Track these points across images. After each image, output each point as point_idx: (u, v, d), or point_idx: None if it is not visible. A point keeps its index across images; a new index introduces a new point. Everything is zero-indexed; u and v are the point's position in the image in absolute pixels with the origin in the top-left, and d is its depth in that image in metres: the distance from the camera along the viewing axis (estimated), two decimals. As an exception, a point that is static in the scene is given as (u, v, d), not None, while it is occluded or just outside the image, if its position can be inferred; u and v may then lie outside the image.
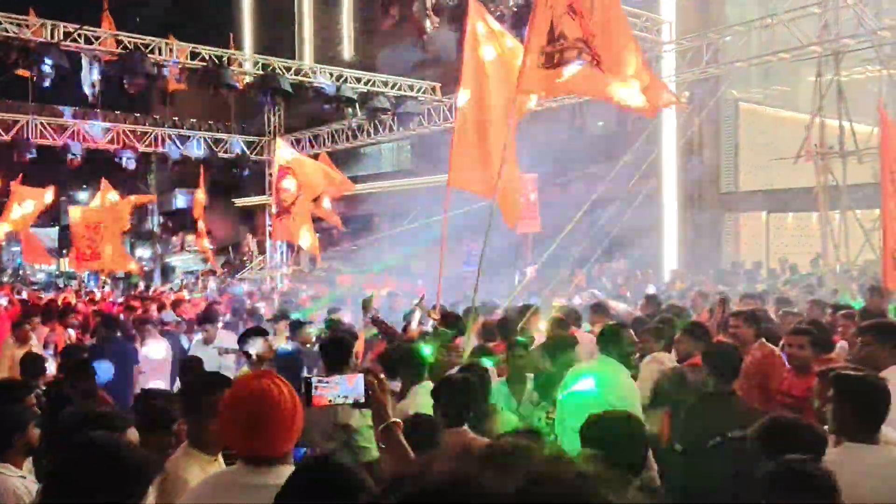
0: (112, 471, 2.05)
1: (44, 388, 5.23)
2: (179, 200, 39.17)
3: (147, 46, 15.66)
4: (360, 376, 2.85)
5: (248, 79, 17.38)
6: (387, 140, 23.90)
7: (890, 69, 13.20)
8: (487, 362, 5.43)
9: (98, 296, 17.20)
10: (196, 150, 21.78)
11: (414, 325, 6.61)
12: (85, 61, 14.66)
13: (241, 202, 30.40)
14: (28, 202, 17.13)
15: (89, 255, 16.11)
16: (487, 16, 7.11)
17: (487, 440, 3.79)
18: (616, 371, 4.86)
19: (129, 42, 15.45)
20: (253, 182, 25.02)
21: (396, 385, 4.98)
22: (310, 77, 18.34)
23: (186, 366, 6.20)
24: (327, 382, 2.74)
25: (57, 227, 39.07)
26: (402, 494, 1.13)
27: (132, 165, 20.28)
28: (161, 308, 12.24)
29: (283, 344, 7.44)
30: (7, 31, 14.01)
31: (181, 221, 38.53)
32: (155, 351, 8.26)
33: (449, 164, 6.55)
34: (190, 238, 37.36)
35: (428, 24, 13.25)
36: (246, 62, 18.18)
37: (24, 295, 16.70)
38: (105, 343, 7.81)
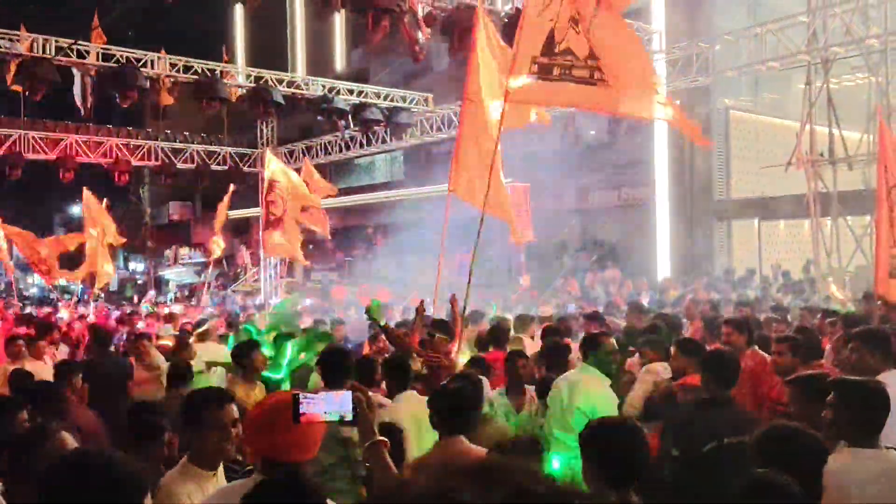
0: (105, 484, 2.04)
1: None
2: (172, 213, 39.14)
3: (139, 60, 15.69)
4: (348, 393, 2.84)
5: (240, 91, 17.41)
6: (380, 151, 23.94)
7: (878, 76, 13.29)
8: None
9: (89, 310, 17.13)
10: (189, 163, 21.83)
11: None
12: (77, 76, 14.66)
13: (234, 214, 30.38)
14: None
15: (45, 269, 16.29)
16: (491, 26, 6.98)
17: (484, 450, 3.79)
18: (590, 380, 4.86)
19: (121, 56, 15.48)
20: (246, 194, 25.00)
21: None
22: (302, 89, 18.38)
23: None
24: (313, 399, 2.74)
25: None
26: None
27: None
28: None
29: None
30: (-1, 46, 14.03)
31: (174, 234, 38.51)
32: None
33: (451, 170, 6.42)
34: (183, 251, 37.32)
35: (420, 35, 13.30)
36: (238, 75, 18.21)
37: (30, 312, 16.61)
38: (98, 358, 7.78)
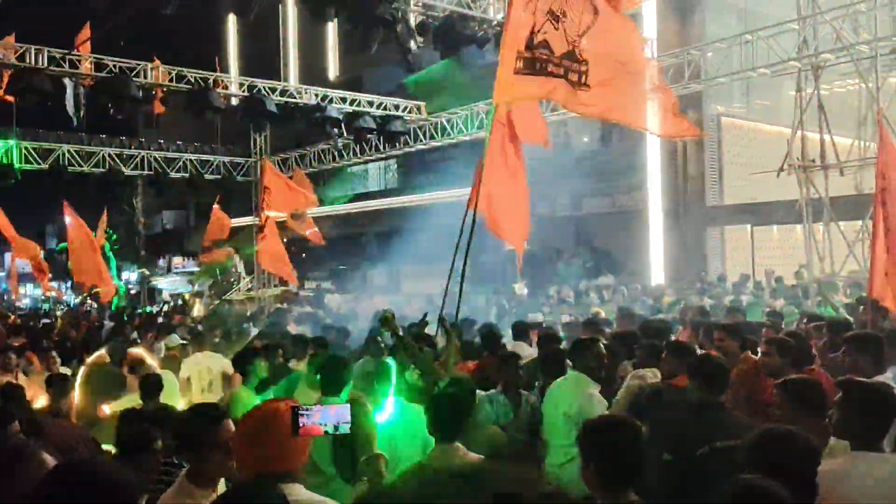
0: (95, 495, 2.02)
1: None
2: (166, 222, 39.06)
3: (132, 70, 15.69)
4: (347, 405, 2.84)
5: (233, 100, 17.42)
6: (373, 159, 23.97)
7: (869, 83, 13.38)
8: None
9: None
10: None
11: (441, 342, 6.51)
12: (69, 86, 14.64)
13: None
14: None
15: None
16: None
17: (480, 457, 3.79)
18: (576, 385, 4.85)
19: (114, 66, 15.47)
20: (240, 203, 24.98)
21: None
22: (295, 98, 18.40)
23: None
24: (312, 411, 2.74)
25: (42, 252, 38.75)
26: None
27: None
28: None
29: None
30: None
31: (167, 243, 38.43)
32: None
33: (476, 186, 5.90)
34: (177, 260, 37.25)
35: (412, 43, 13.34)
36: (231, 84, 18.22)
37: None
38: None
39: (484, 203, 5.78)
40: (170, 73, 16.29)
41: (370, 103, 19.26)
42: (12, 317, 18.50)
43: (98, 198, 20.68)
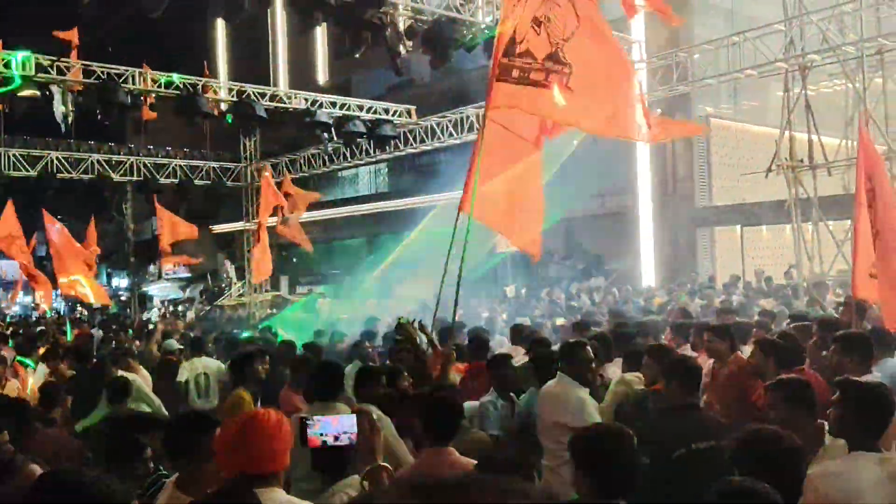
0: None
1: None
2: (155, 229, 38.82)
3: (120, 76, 15.64)
4: (353, 416, 2.85)
5: (223, 106, 17.38)
6: (363, 163, 23.94)
7: (855, 83, 13.46)
8: None
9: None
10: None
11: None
12: (57, 92, 14.58)
13: (218, 229, 30.23)
14: None
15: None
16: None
17: (471, 461, 3.79)
18: (567, 390, 4.86)
19: (102, 72, 15.42)
20: (230, 209, 24.91)
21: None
22: (285, 102, 18.37)
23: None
24: (319, 422, 2.77)
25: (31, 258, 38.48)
26: None
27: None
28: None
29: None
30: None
31: (157, 250, 38.19)
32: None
33: (465, 188, 5.88)
34: (167, 266, 37.05)
35: (401, 48, 13.34)
36: (220, 89, 18.18)
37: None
38: (79, 375, 7.69)
39: (482, 205, 5.77)
40: (158, 79, 16.24)
41: (360, 107, 19.25)
42: (2, 324, 18.37)
43: (87, 205, 20.56)
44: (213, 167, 23.21)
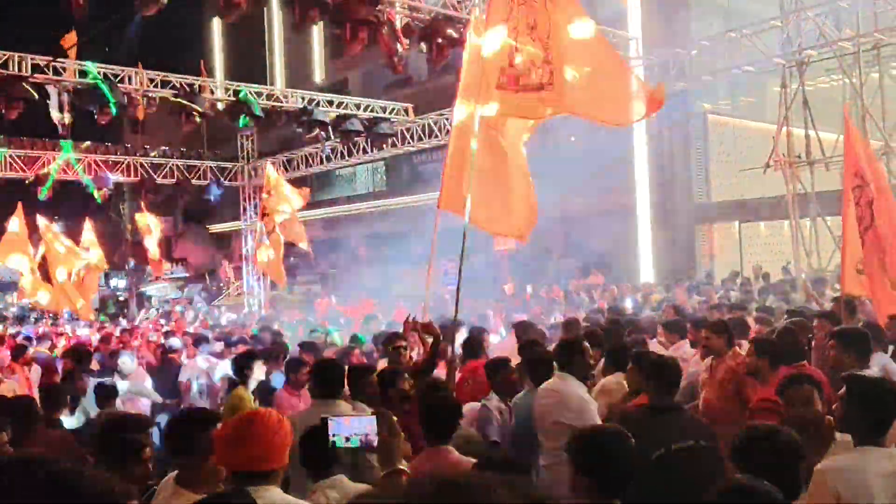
0: (77, 501, 2.00)
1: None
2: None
3: (116, 76, 15.60)
4: (373, 418, 2.84)
5: (219, 105, 17.34)
6: (361, 162, 23.92)
7: (852, 78, 13.46)
8: None
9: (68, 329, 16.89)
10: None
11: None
12: (53, 93, 14.55)
13: (215, 228, 30.24)
14: None
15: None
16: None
17: (471, 460, 3.78)
18: (570, 389, 4.83)
19: (98, 72, 15.38)
20: (227, 208, 24.91)
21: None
22: (281, 101, 18.35)
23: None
24: (341, 423, 2.77)
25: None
26: None
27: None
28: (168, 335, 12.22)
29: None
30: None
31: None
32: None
33: (441, 185, 6.13)
34: (165, 266, 37.00)
35: (398, 46, 13.31)
36: (217, 89, 18.15)
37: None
38: (77, 380, 7.65)
39: (462, 203, 5.82)
40: (154, 79, 16.21)
41: (357, 106, 19.23)
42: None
43: (84, 205, 20.54)
44: (211, 166, 23.18)
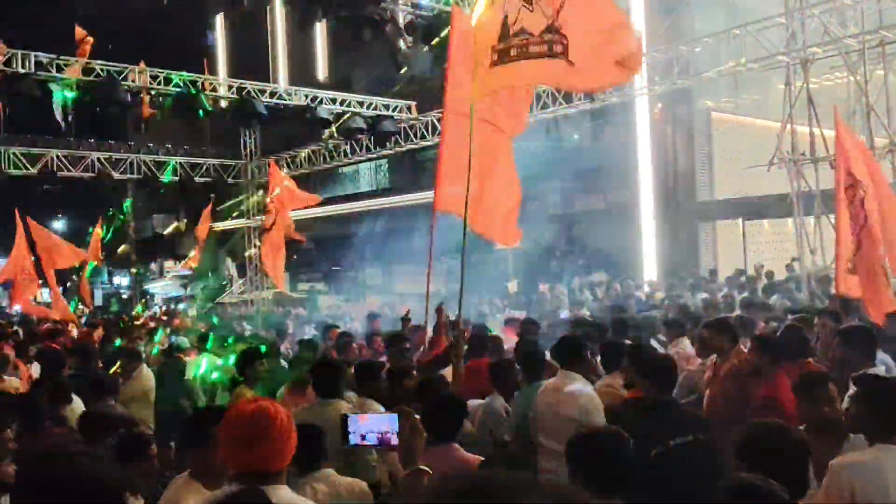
0: (76, 491, 2.00)
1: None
2: (157, 226, 38.87)
3: (120, 73, 15.61)
4: (394, 416, 2.82)
5: (222, 103, 17.35)
6: (364, 160, 23.91)
7: (857, 76, 13.41)
8: None
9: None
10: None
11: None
12: (57, 90, 14.56)
13: (219, 226, 30.24)
14: None
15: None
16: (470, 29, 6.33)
17: (478, 458, 3.78)
18: (576, 386, 4.79)
19: (102, 69, 15.39)
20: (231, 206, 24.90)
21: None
22: (285, 99, 18.34)
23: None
24: (361, 421, 2.75)
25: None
26: None
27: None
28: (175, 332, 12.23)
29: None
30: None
31: (159, 247, 38.22)
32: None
33: (435, 185, 6.16)
34: (168, 264, 37.07)
35: (402, 43, 13.32)
36: (220, 86, 18.15)
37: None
38: (79, 375, 7.66)
39: (461, 203, 5.78)
40: (157, 77, 16.21)
41: (360, 103, 19.22)
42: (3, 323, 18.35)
43: (88, 202, 20.57)
44: (214, 164, 23.19)
